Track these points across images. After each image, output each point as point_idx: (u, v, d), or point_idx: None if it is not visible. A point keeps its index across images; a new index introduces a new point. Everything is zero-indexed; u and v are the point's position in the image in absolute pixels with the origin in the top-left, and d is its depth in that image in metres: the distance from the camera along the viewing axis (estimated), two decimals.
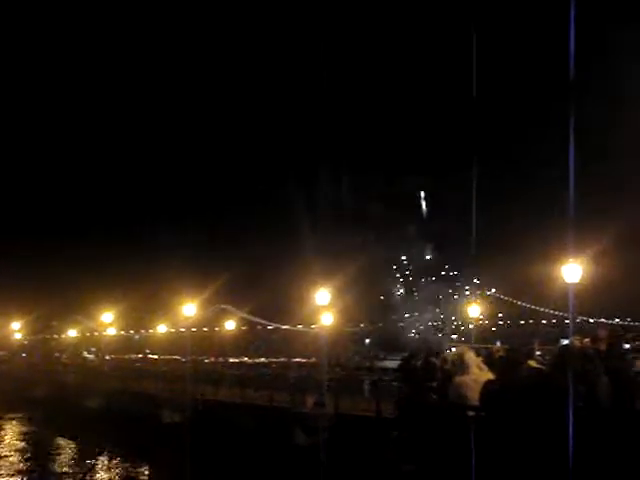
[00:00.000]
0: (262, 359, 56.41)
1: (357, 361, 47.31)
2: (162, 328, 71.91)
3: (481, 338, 45.77)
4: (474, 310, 44.31)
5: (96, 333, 72.86)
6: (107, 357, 59.90)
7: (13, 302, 71.22)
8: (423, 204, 65.98)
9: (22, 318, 74.47)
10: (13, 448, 31.96)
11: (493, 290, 64.95)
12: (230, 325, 68.27)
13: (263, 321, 71.07)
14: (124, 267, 66.31)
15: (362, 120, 61.80)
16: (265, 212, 67.55)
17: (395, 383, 19.05)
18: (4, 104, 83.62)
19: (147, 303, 69.60)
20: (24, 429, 38.34)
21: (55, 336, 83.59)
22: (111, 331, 67.80)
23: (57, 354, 71.04)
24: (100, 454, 29.76)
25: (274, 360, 52.90)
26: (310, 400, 24.16)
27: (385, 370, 31.44)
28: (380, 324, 68.39)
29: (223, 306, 64.82)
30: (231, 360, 53.80)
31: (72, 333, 78.61)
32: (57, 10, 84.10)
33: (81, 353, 70.98)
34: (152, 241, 59.41)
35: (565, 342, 14.87)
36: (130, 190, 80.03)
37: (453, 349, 14.96)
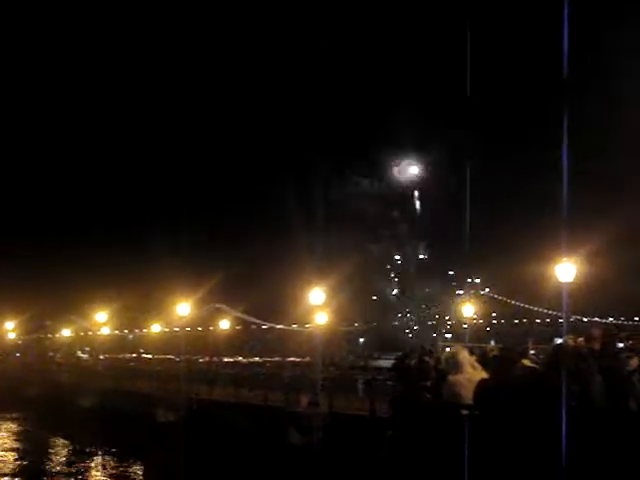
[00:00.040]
0: (256, 358, 56.53)
1: (351, 360, 47.42)
2: (156, 328, 71.83)
3: (475, 337, 45.85)
4: (468, 309, 44.37)
5: (90, 333, 72.87)
6: (101, 356, 59.91)
7: (7, 302, 71.09)
8: (417, 203, 65.88)
9: (16, 318, 74.36)
10: (7, 447, 31.93)
11: (487, 290, 64.95)
12: (224, 324, 68.25)
13: (257, 320, 71.02)
14: (118, 266, 66.15)
15: (361, 121, 61.60)
16: (259, 212, 67.38)
17: (389, 382, 19.11)
18: (4, 104, 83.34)
19: (141, 303, 69.43)
20: (18, 428, 38.31)
21: (49, 335, 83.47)
22: (105, 330, 67.80)
23: (51, 354, 71.04)
24: (94, 453, 29.77)
25: (268, 359, 53.02)
26: (304, 399, 24.19)
27: (379, 369, 31.56)
28: (374, 323, 68.41)
29: (217, 305, 64.79)
30: (225, 359, 53.93)
31: (66, 333, 78.55)
32: (57, 10, 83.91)
33: (75, 352, 70.97)
34: (146, 241, 59.35)
35: (559, 341, 14.93)
36: (125, 189, 79.83)
37: (447, 348, 15.00)
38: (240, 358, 57.81)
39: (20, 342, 78.84)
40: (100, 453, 29.78)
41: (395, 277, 70.73)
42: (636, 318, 66.56)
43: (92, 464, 27.99)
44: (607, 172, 39.74)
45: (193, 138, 60.16)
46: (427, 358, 14.16)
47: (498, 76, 48.15)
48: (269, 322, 70.54)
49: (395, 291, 71.01)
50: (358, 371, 33.45)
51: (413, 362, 14.35)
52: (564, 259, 23.98)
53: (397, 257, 69.76)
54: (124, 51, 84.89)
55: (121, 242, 69.09)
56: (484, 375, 11.04)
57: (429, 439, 11.26)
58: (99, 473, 26.46)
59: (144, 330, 77.97)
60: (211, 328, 70.21)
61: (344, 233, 55.87)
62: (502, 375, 10.59)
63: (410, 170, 64.62)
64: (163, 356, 55.24)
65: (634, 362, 10.72)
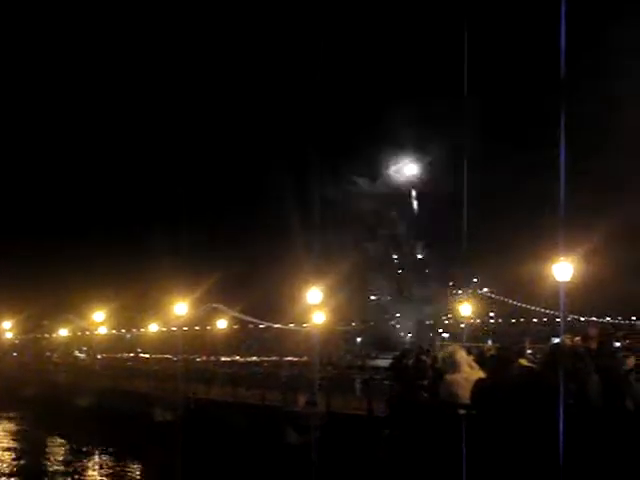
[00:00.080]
0: (254, 358, 56.49)
1: (349, 360, 47.33)
2: (154, 327, 71.81)
3: (472, 337, 45.86)
4: (465, 309, 44.37)
5: (87, 332, 72.75)
6: (98, 356, 59.81)
7: (4, 301, 71.05)
8: (415, 203, 65.80)
9: (13, 317, 74.28)
10: (4, 447, 31.88)
11: (485, 289, 64.98)
12: (222, 324, 68.20)
13: (255, 320, 71.02)
14: (116, 266, 66.10)
15: (360, 121, 61.61)
16: (257, 211, 67.26)
17: (387, 382, 19.08)
18: (4, 104, 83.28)
19: (139, 302, 69.37)
20: (15, 428, 38.26)
21: (46, 335, 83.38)
22: (102, 330, 67.65)
23: (48, 353, 70.92)
24: (91, 453, 29.74)
25: (266, 359, 52.96)
26: (302, 399, 24.17)
27: (377, 369, 31.49)
28: (372, 323, 68.37)
29: (215, 305, 64.75)
30: (223, 359, 53.81)
31: (63, 332, 78.40)
32: (57, 10, 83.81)
33: (72, 352, 70.89)
34: (145, 240, 59.26)
35: (556, 341, 14.95)
36: (125, 189, 79.79)
37: (444, 348, 15.01)
38: (237, 357, 57.79)
39: (17, 342, 78.75)
40: (97, 452, 29.74)
41: (393, 277, 70.67)
42: (633, 317, 66.70)
43: (89, 464, 27.95)
44: (605, 172, 39.70)
45: (193, 138, 60.05)
46: (424, 357, 14.16)
47: (497, 76, 48.18)
48: (266, 321, 70.53)
49: (393, 291, 70.94)
50: (355, 370, 33.40)
51: (410, 361, 14.34)
52: (561, 258, 23.96)
53: (395, 256, 69.71)
54: (124, 51, 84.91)
55: (120, 242, 69.09)
56: (481, 374, 11.05)
57: (426, 438, 11.27)
58: (96, 473, 26.40)
59: (142, 330, 77.97)
60: (208, 327, 70.16)
61: (342, 233, 55.82)
62: (499, 374, 10.61)
63: (409, 169, 64.58)
64: (161, 355, 55.23)
65: (631, 361, 10.74)
